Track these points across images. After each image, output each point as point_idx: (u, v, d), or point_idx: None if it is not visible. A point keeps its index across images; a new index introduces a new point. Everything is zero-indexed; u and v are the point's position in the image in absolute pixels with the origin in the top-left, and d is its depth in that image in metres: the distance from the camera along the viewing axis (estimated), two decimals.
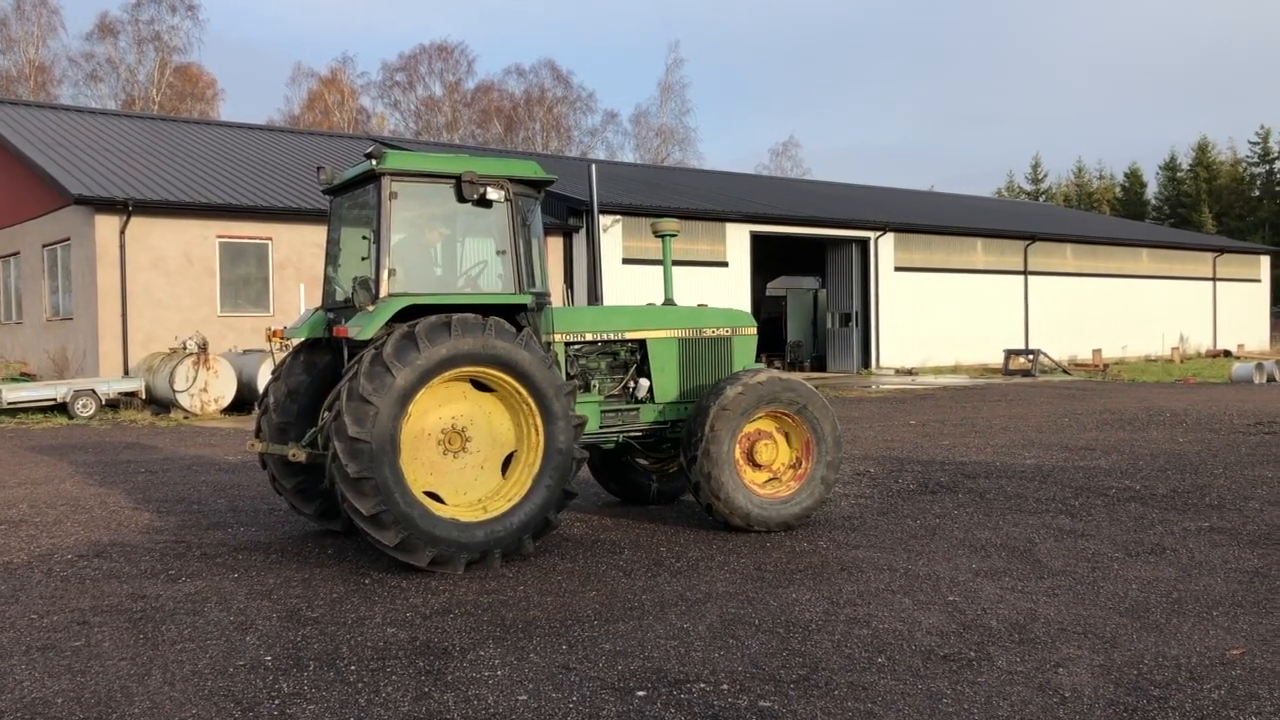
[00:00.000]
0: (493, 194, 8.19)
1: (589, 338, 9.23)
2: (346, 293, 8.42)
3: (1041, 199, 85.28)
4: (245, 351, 22.91)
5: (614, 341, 9.41)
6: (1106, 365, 37.51)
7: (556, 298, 29.18)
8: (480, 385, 8.01)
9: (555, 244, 29.69)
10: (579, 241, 29.53)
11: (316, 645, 6.05)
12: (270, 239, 25.65)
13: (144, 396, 21.77)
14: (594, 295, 10.45)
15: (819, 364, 38.19)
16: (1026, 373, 34.22)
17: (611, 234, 29.53)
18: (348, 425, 7.28)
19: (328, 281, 9.09)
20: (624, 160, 62.16)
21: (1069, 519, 9.58)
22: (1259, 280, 51.45)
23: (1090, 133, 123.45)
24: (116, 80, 62.79)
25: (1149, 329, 44.21)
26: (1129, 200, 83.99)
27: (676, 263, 33.05)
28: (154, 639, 6.21)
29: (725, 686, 5.32)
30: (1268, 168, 79.95)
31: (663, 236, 10.37)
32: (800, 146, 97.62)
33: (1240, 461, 13.13)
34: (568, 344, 9.06)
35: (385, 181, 7.98)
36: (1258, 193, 79.57)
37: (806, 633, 6.21)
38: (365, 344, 7.69)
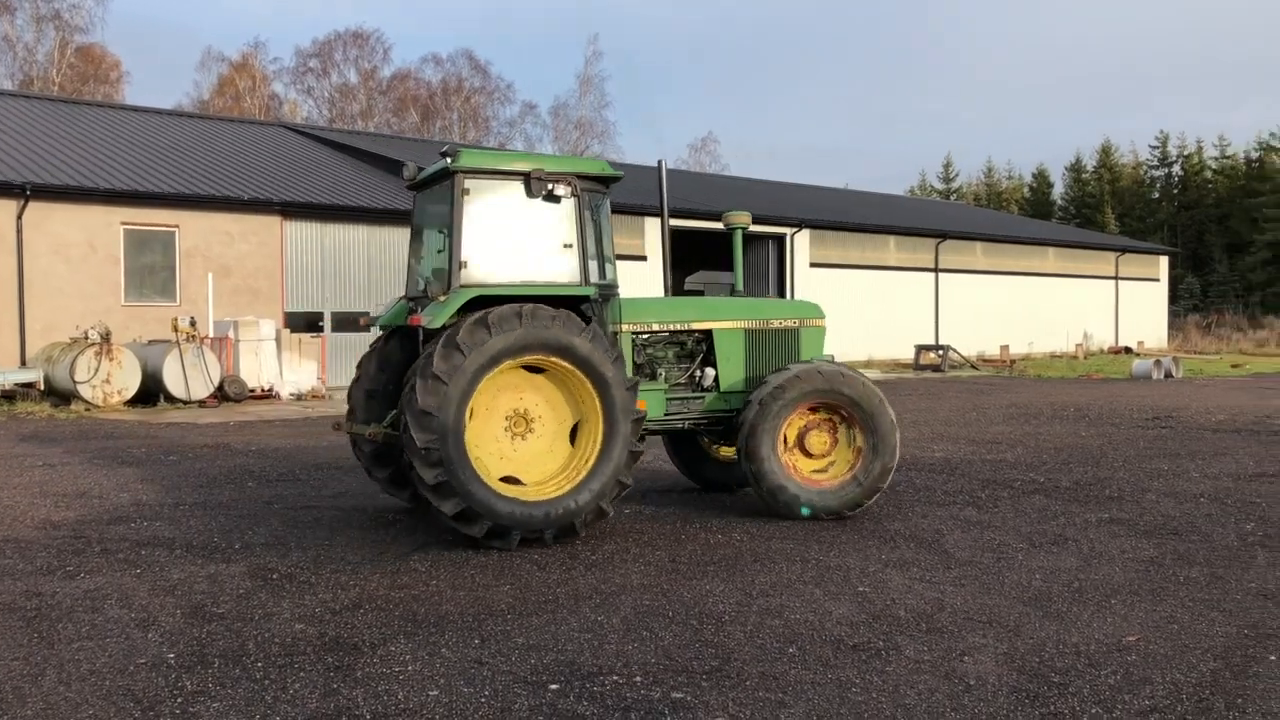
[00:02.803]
0: (560, 190, 8.66)
1: (655, 328, 9.65)
2: (425, 283, 8.93)
3: (953, 198, 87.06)
4: (151, 342, 22.29)
5: (680, 331, 9.77)
6: (1013, 361, 38.48)
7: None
8: (536, 370, 8.42)
9: None
10: None
11: (222, 642, 5.91)
12: (177, 227, 24.97)
13: (42, 388, 21.07)
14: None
15: None
16: (936, 368, 34.94)
17: None
18: (419, 398, 7.78)
19: (410, 272, 9.57)
20: (543, 153, 61.88)
21: (975, 511, 9.80)
22: (1158, 280, 53.26)
23: (999, 134, 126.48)
24: (13, 60, 60.41)
25: (1054, 326, 45.46)
26: (1036, 200, 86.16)
27: None
28: (49, 637, 6.00)
29: (638, 678, 5.32)
30: (1166, 171, 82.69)
31: (733, 229, 10.62)
32: (718, 142, 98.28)
33: (1139, 455, 13.57)
34: (635, 334, 9.50)
35: (459, 179, 8.48)
36: (1157, 195, 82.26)
37: (720, 624, 6.25)
38: (439, 332, 8.10)
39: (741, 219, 10.56)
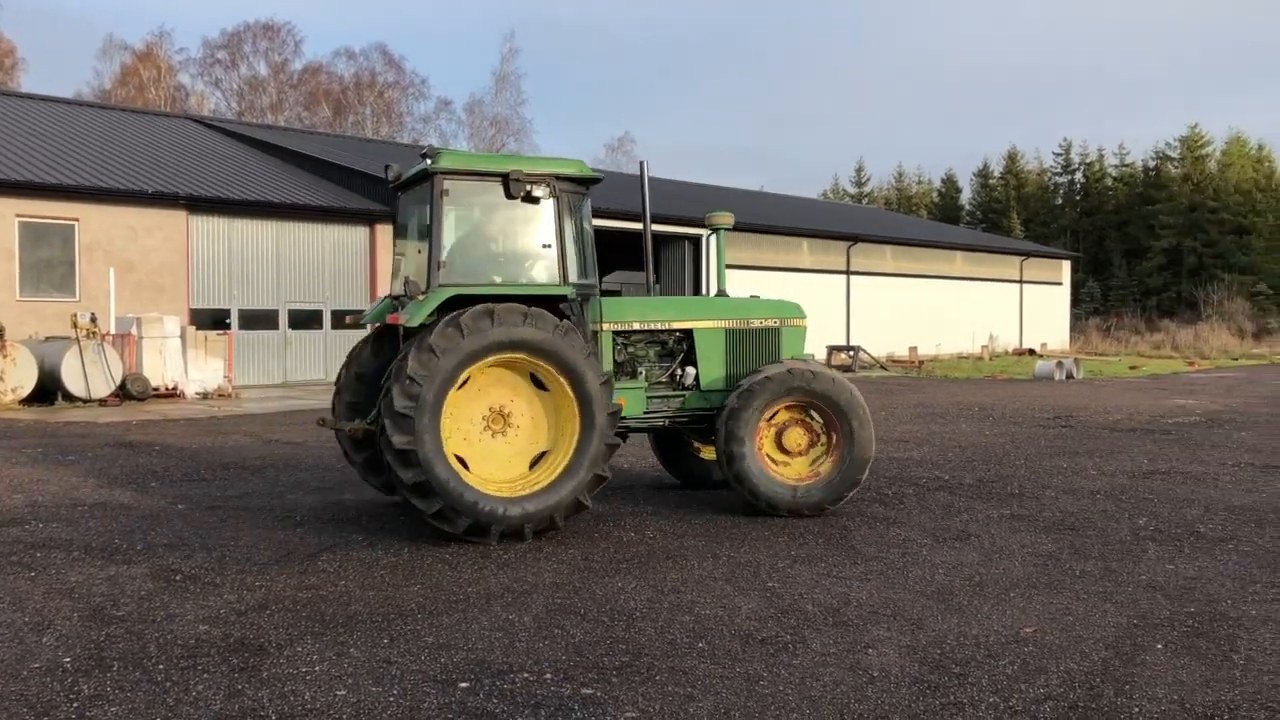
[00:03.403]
0: (538, 191, 8.75)
1: (636, 327, 9.73)
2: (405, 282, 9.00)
3: (864, 202, 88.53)
4: (48, 338, 21.55)
5: (661, 331, 9.86)
6: (922, 362, 39.30)
7: (386, 288, 28.61)
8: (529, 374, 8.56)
9: (385, 231, 29.07)
10: None
11: (121, 644, 5.77)
12: (77, 220, 24.19)
13: None
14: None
15: None
16: (847, 368, 35.51)
17: None
18: (395, 401, 7.96)
19: (395, 271, 9.61)
20: (459, 149, 61.39)
21: (882, 507, 10.01)
22: (1061, 283, 54.88)
23: (910, 139, 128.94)
24: None
25: (961, 328, 46.55)
26: (945, 205, 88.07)
27: None
28: None
29: (549, 675, 5.34)
30: (1069, 178, 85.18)
31: (716, 229, 10.72)
32: (635, 143, 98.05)
33: (1039, 453, 13.98)
34: (615, 333, 9.59)
35: (437, 180, 8.59)
36: (1060, 201, 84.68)
37: (631, 620, 6.29)
38: (418, 330, 8.26)
39: (724, 220, 10.68)
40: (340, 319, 28.49)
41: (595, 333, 9.28)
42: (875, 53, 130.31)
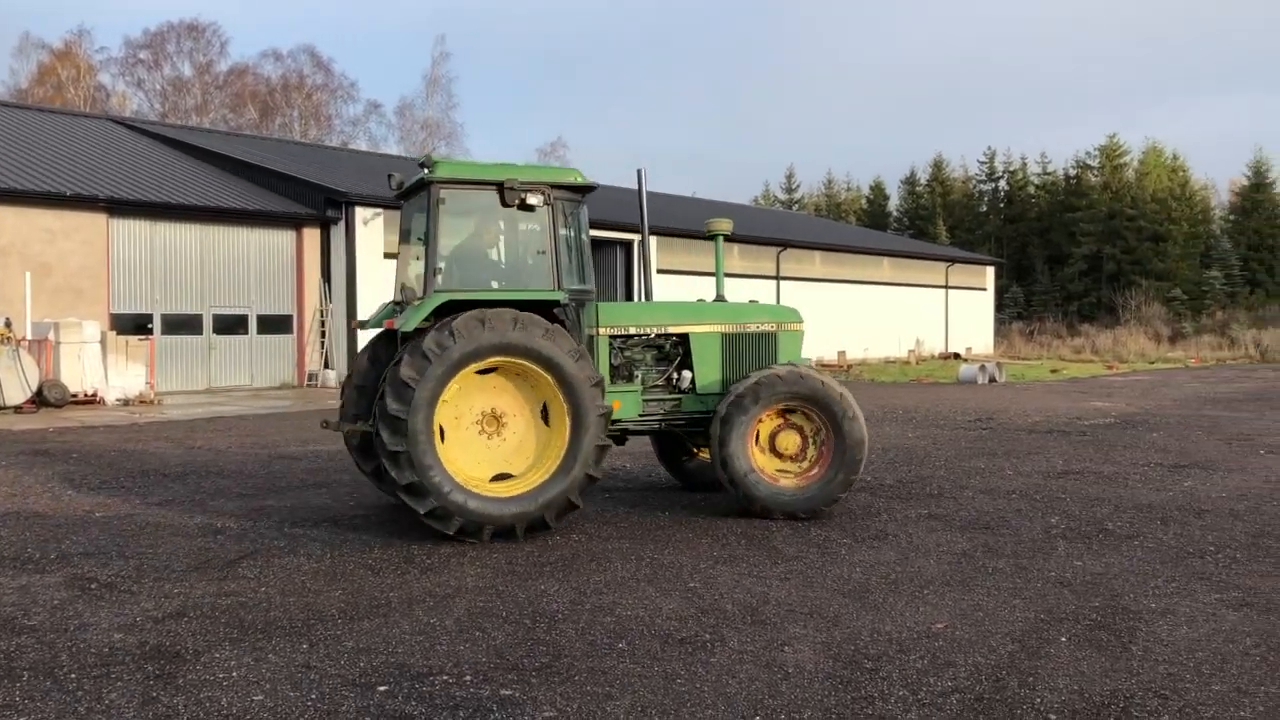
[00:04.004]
0: (533, 199, 8.96)
1: (633, 331, 9.92)
2: (402, 288, 9.43)
3: (794, 208, 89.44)
4: None
5: (657, 335, 10.03)
6: (850, 366, 39.85)
7: (313, 293, 28.22)
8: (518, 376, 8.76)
9: (312, 236, 28.76)
10: (337, 234, 28.68)
11: (32, 654, 5.68)
12: None
13: None
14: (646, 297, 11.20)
15: None
16: None
17: (372, 228, 28.81)
18: (389, 404, 8.22)
19: (398, 277, 9.80)
20: (388, 152, 60.77)
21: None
22: (985, 289, 55.99)
23: (840, 147, 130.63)
24: None
25: (889, 332, 47.26)
26: (873, 211, 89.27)
27: None
28: None
29: (468, 677, 5.37)
30: (994, 185, 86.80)
31: (715, 236, 10.92)
32: (568, 148, 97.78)
33: (959, 454, 14.30)
34: (612, 337, 9.78)
35: (434, 189, 8.88)
36: (985, 208, 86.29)
37: (552, 622, 6.34)
38: (413, 335, 8.50)
39: (723, 226, 10.92)
40: (266, 323, 28.13)
41: (592, 337, 9.54)
42: (805, 60, 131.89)
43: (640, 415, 9.82)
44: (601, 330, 9.68)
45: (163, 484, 11.67)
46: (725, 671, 5.49)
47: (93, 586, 7.12)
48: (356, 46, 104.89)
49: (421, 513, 8.33)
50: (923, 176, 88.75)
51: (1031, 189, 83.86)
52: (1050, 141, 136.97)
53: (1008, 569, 7.75)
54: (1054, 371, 38.97)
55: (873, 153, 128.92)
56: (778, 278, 42.62)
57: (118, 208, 25.40)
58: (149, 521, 9.47)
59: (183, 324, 26.66)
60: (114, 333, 23.37)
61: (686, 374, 10.02)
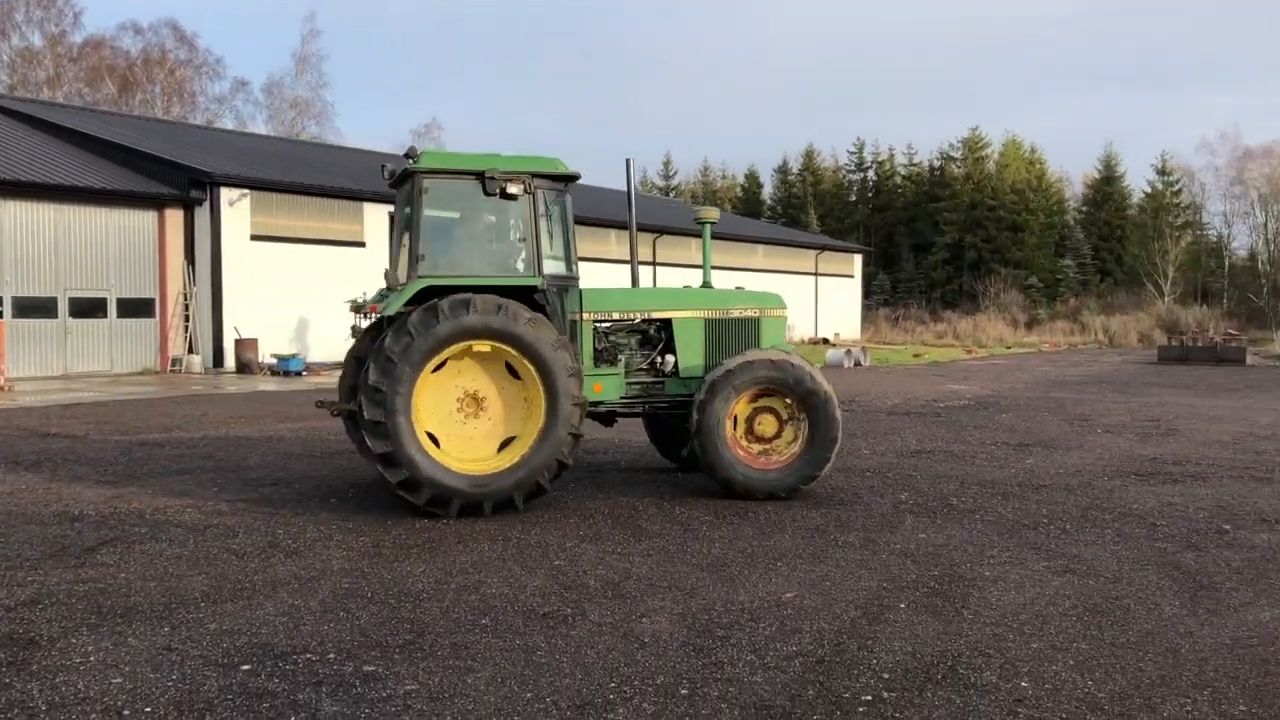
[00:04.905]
0: (513, 188, 9.28)
1: (616, 317, 10.28)
2: (386, 274, 9.82)
3: (671, 195, 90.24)
4: None
5: (641, 320, 10.37)
6: None
7: (176, 277, 27.40)
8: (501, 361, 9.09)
9: (175, 217, 27.89)
10: (202, 215, 27.88)
11: None
12: None
13: None
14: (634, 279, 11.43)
15: None
16: None
17: (239, 209, 28.12)
18: (370, 376, 8.67)
19: (392, 264, 10.05)
20: (255, 131, 59.07)
21: (671, 489, 10.49)
22: (853, 276, 57.63)
23: (715, 135, 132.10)
24: None
25: None
26: (748, 199, 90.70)
27: (309, 241, 31.95)
28: None
29: (332, 655, 5.47)
30: (862, 175, 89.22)
31: (703, 224, 11.27)
32: (443, 130, 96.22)
33: None
34: (596, 323, 10.12)
35: (418, 179, 9.22)
36: (854, 198, 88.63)
37: (417, 601, 6.47)
38: (396, 318, 8.88)
39: (710, 215, 11.27)
40: (127, 307, 27.19)
41: (575, 323, 9.84)
42: (680, 49, 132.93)
43: (623, 398, 10.13)
44: (585, 315, 10.00)
45: (15, 473, 11.32)
46: (585, 643, 5.71)
47: None
48: (222, 22, 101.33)
49: (394, 481, 8.73)
50: (795, 166, 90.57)
51: (898, 179, 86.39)
52: (916, 133, 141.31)
53: (857, 542, 8.18)
54: (916, 356, 40.46)
55: (748, 141, 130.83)
56: (654, 264, 43.07)
57: None
58: (0, 511, 9.20)
59: (36, 307, 25.58)
60: None
61: (670, 358, 10.36)
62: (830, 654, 5.57)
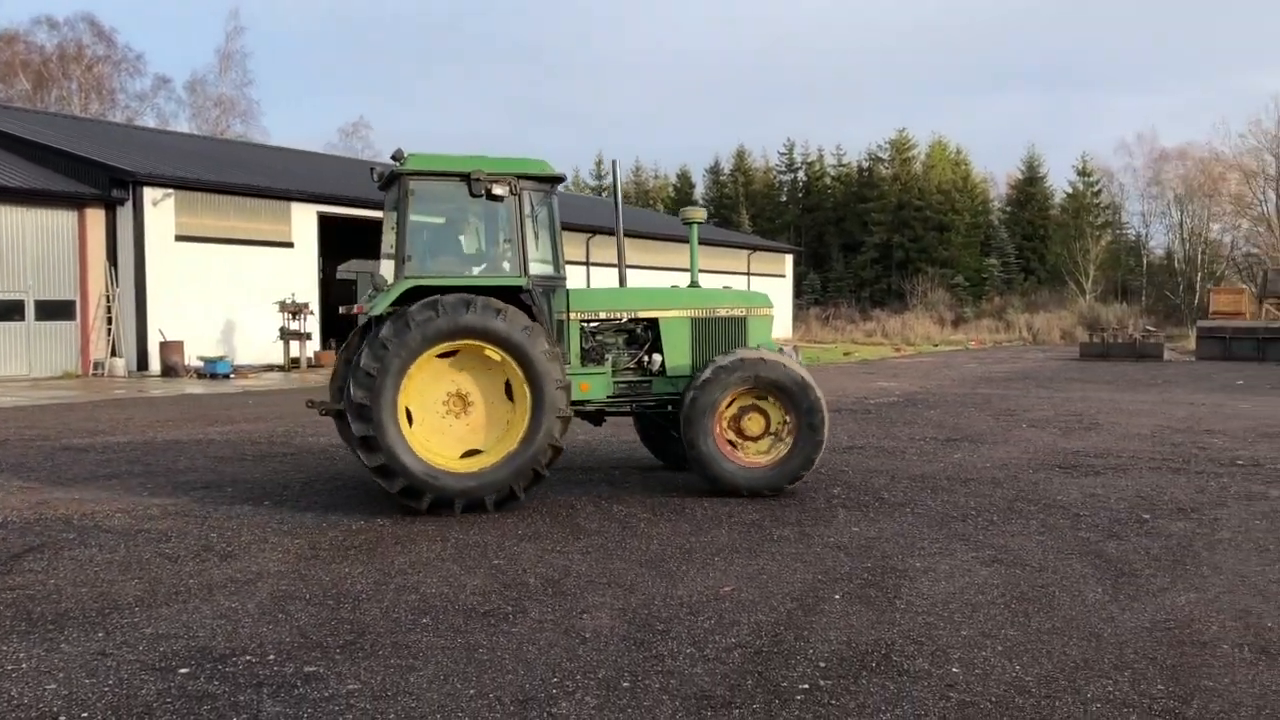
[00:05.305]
0: (499, 189, 9.35)
1: (603, 316, 10.39)
2: (371, 275, 9.85)
3: (603, 195, 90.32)
4: None
5: (628, 320, 10.45)
6: None
7: (98, 278, 26.79)
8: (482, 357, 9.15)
9: (96, 217, 27.25)
10: (124, 216, 27.27)
11: None
12: None
13: None
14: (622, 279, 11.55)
15: None
16: None
17: (163, 209, 27.56)
18: (354, 393, 8.80)
19: (382, 265, 10.05)
20: (178, 130, 57.87)
21: (609, 488, 10.56)
22: (784, 275, 58.22)
23: (647, 134, 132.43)
24: None
25: None
26: (680, 199, 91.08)
27: (236, 241, 31.42)
28: None
29: (272, 656, 5.45)
30: (793, 176, 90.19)
31: (690, 224, 11.36)
32: (371, 128, 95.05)
33: None
34: (584, 322, 10.21)
35: (404, 181, 9.30)
36: (784, 198, 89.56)
37: (356, 602, 6.46)
38: (384, 318, 8.99)
39: (697, 215, 11.37)
40: (45, 309, 26.50)
41: (562, 322, 9.93)
42: (611, 47, 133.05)
43: (610, 396, 10.18)
44: (572, 315, 10.09)
45: None
46: (526, 640, 5.76)
47: None
48: (142, 17, 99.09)
49: (393, 491, 8.87)
50: (726, 166, 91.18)
51: (828, 180, 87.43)
52: (846, 134, 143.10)
53: (792, 536, 8.33)
54: (846, 354, 41.03)
55: (680, 141, 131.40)
56: (587, 263, 43.08)
57: None
58: None
59: None
60: None
61: (657, 357, 10.43)
62: (768, 645, 5.68)
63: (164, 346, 26.77)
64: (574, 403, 9.65)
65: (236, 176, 31.59)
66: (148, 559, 7.53)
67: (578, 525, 8.74)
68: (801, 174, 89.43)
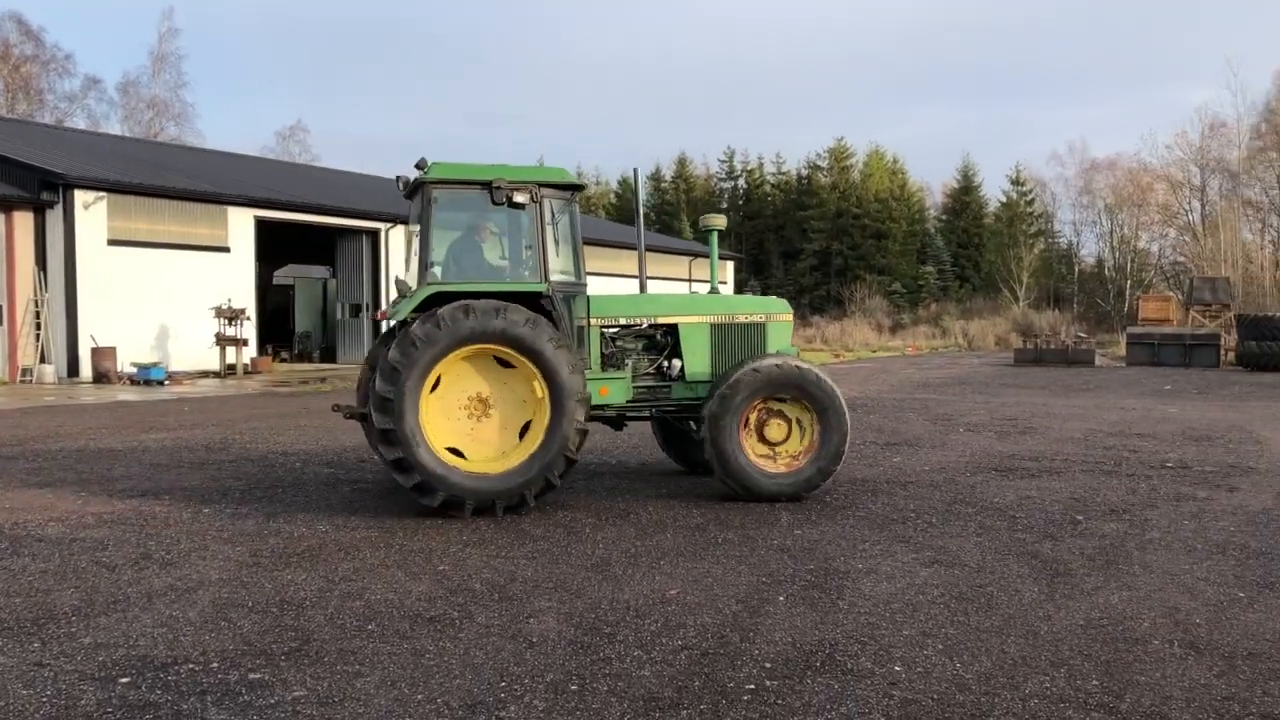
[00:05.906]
0: (519, 197, 9.53)
1: (623, 322, 10.46)
2: (397, 282, 10.06)
3: None
4: None
5: (648, 326, 10.53)
6: None
7: (26, 283, 26.17)
8: (505, 363, 9.31)
9: (24, 220, 26.60)
10: (54, 219, 26.67)
11: None
12: None
13: None
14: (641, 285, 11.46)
15: (329, 355, 37.66)
16: None
17: (94, 212, 26.99)
18: (378, 385, 8.96)
19: (406, 272, 10.23)
20: (110, 132, 56.69)
21: (555, 493, 10.48)
22: (726, 282, 58.57)
23: (588, 140, 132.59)
24: None
25: None
26: (622, 205, 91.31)
27: (170, 245, 30.86)
28: None
29: (215, 664, 5.39)
30: (733, 183, 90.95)
31: (710, 230, 11.58)
32: (308, 131, 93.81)
33: None
34: (604, 328, 10.31)
35: (427, 189, 9.48)
36: (725, 205, 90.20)
37: (301, 609, 6.40)
38: (404, 325, 9.18)
39: (718, 221, 11.58)
40: None
41: (582, 328, 10.04)
42: (550, 55, 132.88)
43: (629, 401, 10.26)
44: (593, 321, 10.19)
45: None
46: (473, 644, 5.75)
47: None
48: (72, 16, 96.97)
49: (408, 486, 9.00)
50: (668, 173, 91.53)
51: (768, 188, 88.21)
52: (785, 143, 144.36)
53: (736, 539, 8.40)
54: None
55: (621, 147, 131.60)
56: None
57: None
58: None
59: None
60: None
61: (676, 363, 10.49)
62: (714, 646, 5.74)
63: (96, 353, 26.22)
64: (594, 407, 9.73)
65: (172, 179, 31.04)
66: (84, 568, 7.39)
67: (523, 531, 8.74)
68: (742, 181, 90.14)
